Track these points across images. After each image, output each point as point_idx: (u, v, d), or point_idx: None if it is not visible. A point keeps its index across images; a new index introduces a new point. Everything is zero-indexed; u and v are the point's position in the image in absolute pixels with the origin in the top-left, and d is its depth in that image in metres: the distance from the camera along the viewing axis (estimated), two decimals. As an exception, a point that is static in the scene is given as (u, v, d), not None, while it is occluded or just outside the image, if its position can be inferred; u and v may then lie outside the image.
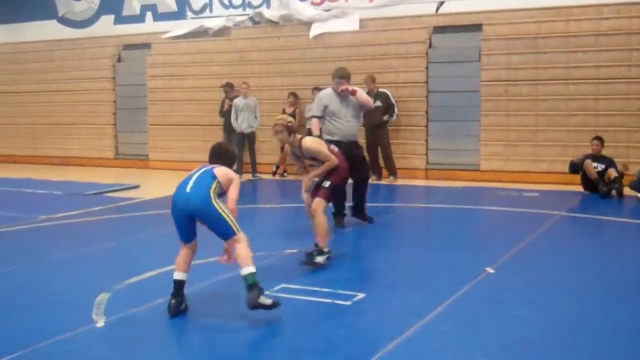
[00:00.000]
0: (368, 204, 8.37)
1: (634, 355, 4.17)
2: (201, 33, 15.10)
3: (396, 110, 12.41)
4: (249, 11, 14.80)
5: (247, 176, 13.19)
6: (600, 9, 11.93)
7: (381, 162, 12.45)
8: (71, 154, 16.35)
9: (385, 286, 5.70)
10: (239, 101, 13.31)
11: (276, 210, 8.83)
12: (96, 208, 9.66)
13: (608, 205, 9.70)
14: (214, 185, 4.89)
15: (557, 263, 6.46)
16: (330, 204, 8.11)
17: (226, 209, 4.84)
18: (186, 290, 5.40)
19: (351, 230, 7.83)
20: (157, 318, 4.88)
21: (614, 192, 10.12)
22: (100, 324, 4.71)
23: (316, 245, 6.26)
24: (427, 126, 12.94)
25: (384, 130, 12.32)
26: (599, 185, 10.21)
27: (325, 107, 7.97)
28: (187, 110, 14.97)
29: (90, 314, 4.88)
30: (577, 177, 10.78)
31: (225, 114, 13.69)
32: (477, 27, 12.72)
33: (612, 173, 10.22)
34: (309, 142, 6.41)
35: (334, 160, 6.39)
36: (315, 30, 13.82)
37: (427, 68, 12.90)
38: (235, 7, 14.99)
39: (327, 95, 8.06)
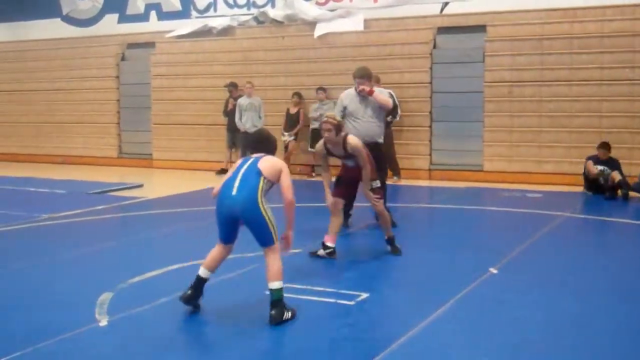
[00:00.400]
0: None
1: (636, 355, 4.16)
2: (205, 32, 15.11)
3: (399, 111, 12.39)
4: (254, 11, 14.80)
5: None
6: (604, 10, 11.91)
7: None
8: (74, 153, 16.36)
9: (388, 286, 5.69)
10: (243, 101, 13.32)
11: (280, 210, 8.79)
12: (99, 207, 9.67)
13: (612, 206, 9.69)
14: (261, 185, 4.73)
15: (560, 264, 6.45)
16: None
17: (272, 216, 4.72)
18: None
19: (355, 230, 7.82)
20: (160, 317, 4.88)
21: (619, 192, 10.09)
22: (103, 323, 4.71)
23: (388, 239, 6.70)
24: (431, 127, 12.93)
25: (388, 131, 12.21)
26: (600, 182, 10.19)
27: (345, 107, 7.94)
28: (191, 109, 14.98)
29: (93, 314, 4.88)
30: (581, 179, 10.77)
31: (229, 113, 13.70)
32: (482, 28, 12.70)
33: (616, 176, 10.20)
34: (356, 141, 6.45)
35: (370, 161, 6.52)
36: (319, 30, 13.82)
37: (431, 69, 12.89)
38: (240, 7, 15.00)
39: (347, 95, 8.01)
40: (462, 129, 12.72)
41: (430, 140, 12.94)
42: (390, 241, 6.71)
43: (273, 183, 4.85)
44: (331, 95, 13.37)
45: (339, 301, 5.13)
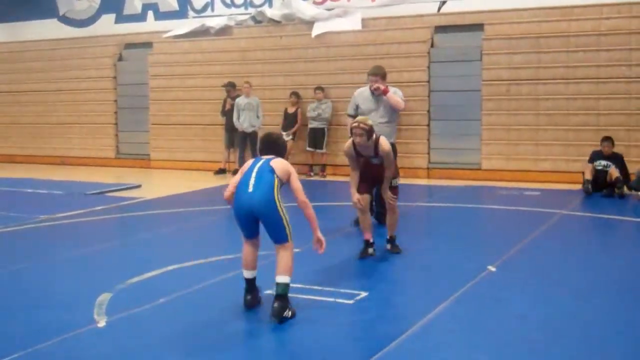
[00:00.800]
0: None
1: (634, 352, 4.17)
2: (203, 32, 15.10)
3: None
4: (251, 10, 14.80)
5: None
6: (601, 8, 11.93)
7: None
8: (72, 154, 16.34)
9: (387, 285, 5.70)
10: (241, 100, 13.32)
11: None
12: (97, 208, 9.66)
13: (609, 204, 9.70)
14: (276, 182, 4.82)
15: (558, 261, 6.46)
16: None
17: (287, 214, 4.81)
18: (187, 290, 5.41)
19: (353, 229, 7.82)
20: (159, 318, 4.88)
21: (616, 190, 10.11)
22: (102, 324, 4.71)
23: (390, 237, 6.69)
24: (428, 125, 12.94)
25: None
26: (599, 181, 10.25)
27: (357, 105, 7.93)
28: (188, 109, 14.97)
29: (91, 314, 4.88)
30: (579, 176, 10.78)
31: (227, 113, 13.70)
32: (479, 27, 12.71)
33: (614, 173, 10.21)
34: (388, 145, 6.36)
35: (395, 168, 6.55)
36: (317, 29, 13.82)
37: (429, 67, 12.89)
38: (237, 6, 14.99)
39: (360, 93, 7.99)
40: (460, 128, 12.73)
41: (428, 139, 12.95)
42: (392, 240, 6.70)
43: (283, 183, 4.94)
44: (329, 94, 13.39)
45: (338, 300, 5.14)
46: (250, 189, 4.79)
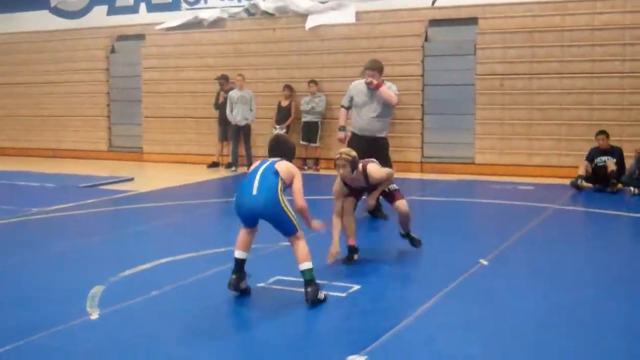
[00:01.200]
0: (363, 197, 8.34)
1: (625, 346, 4.19)
2: (196, 24, 15.04)
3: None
4: (244, 2, 14.74)
5: (243, 169, 13.17)
6: (595, 3, 11.95)
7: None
8: (65, 147, 16.28)
9: (380, 278, 5.70)
10: (234, 93, 13.28)
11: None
12: (90, 201, 9.63)
13: (601, 198, 9.73)
14: (279, 184, 4.89)
15: (550, 255, 6.48)
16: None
17: (291, 207, 4.90)
18: (180, 283, 5.41)
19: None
20: (151, 310, 4.87)
21: (609, 186, 10.12)
22: (95, 316, 4.70)
23: (407, 233, 6.44)
24: (422, 119, 12.94)
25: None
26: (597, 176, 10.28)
27: (352, 98, 7.93)
28: (181, 102, 14.92)
29: (84, 307, 4.86)
30: (572, 171, 10.81)
31: (221, 106, 13.67)
32: (473, 21, 12.71)
33: (611, 165, 10.23)
34: (379, 173, 6.02)
35: (392, 172, 6.32)
36: (311, 22, 13.79)
37: (422, 61, 12.89)
38: (230, -1, 14.95)
39: (355, 86, 7.99)
40: (453, 122, 12.74)
41: (422, 133, 12.96)
42: (406, 235, 6.47)
43: (287, 185, 5.01)
44: (323, 88, 13.37)
45: (331, 293, 5.13)
46: (254, 191, 4.87)
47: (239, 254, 5.05)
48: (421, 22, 13.09)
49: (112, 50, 16.09)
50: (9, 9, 17.19)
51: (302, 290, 5.22)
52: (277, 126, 13.47)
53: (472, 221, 8.86)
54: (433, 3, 13.16)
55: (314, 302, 4.81)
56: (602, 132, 10.59)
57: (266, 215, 4.90)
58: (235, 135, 13.39)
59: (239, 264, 5.05)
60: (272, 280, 5.46)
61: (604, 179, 10.25)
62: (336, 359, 3.91)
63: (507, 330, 4.45)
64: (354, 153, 5.89)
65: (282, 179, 4.93)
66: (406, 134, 12.94)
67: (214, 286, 5.34)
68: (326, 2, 13.89)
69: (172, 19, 15.30)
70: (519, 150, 12.24)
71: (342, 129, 8.22)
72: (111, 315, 4.73)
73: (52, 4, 16.82)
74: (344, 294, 5.16)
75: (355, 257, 6.13)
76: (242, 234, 5.07)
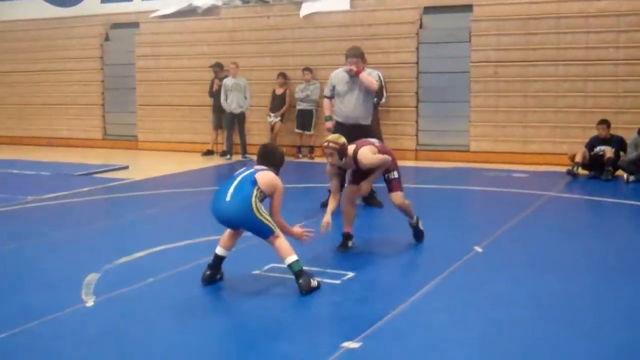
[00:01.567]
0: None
1: (619, 332, 4.22)
2: (190, 12, 14.97)
3: (385, 93, 12.36)
4: (238, -10, 14.69)
5: (237, 157, 13.17)
6: (590, -10, 11.94)
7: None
8: (59, 135, 16.22)
9: (374, 265, 5.72)
10: (228, 81, 13.25)
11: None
12: (85, 189, 9.62)
13: (596, 186, 9.76)
14: (255, 193, 4.84)
15: (544, 242, 6.51)
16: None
17: (265, 212, 4.87)
18: (175, 270, 5.43)
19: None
20: (146, 298, 4.89)
21: (604, 173, 10.14)
22: (90, 303, 4.71)
23: (412, 224, 6.26)
24: (417, 107, 12.94)
25: (374, 112, 12.25)
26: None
27: (334, 86, 7.92)
28: (176, 90, 14.88)
29: (79, 294, 4.87)
30: (566, 158, 10.83)
31: (215, 94, 13.63)
32: (468, 8, 12.68)
33: (608, 153, 10.23)
34: (369, 159, 5.85)
35: (387, 159, 5.98)
36: (305, 9, 13.73)
37: (417, 49, 12.86)
38: (224, -14, 14.87)
39: (336, 75, 7.97)
40: (448, 110, 12.74)
41: (416, 121, 12.95)
42: (412, 226, 6.29)
43: (266, 196, 4.97)
44: (317, 75, 13.34)
45: (325, 280, 5.15)
46: (228, 197, 4.85)
47: (219, 250, 5.09)
48: (416, 9, 13.05)
49: (106, 38, 16.02)
50: (2, -3, 17.08)
51: (297, 277, 5.24)
52: (272, 114, 13.46)
53: (466, 209, 8.88)
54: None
55: (309, 292, 4.82)
56: (604, 122, 10.57)
57: (238, 222, 4.89)
58: (230, 123, 13.37)
59: (217, 260, 5.09)
60: (266, 267, 5.47)
61: (599, 166, 10.27)
62: (330, 346, 3.92)
63: (501, 316, 4.47)
64: (342, 140, 5.81)
65: (259, 189, 4.88)
66: (401, 122, 12.93)
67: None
68: (321, -11, 13.82)
69: (166, 6, 15.22)
70: (513, 137, 12.26)
71: (328, 118, 8.28)
72: (107, 302, 4.74)
73: (46, -8, 16.70)
74: (338, 281, 5.18)
75: (350, 244, 6.11)
76: (227, 233, 5.10)
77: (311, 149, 13.35)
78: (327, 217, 5.76)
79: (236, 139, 13.38)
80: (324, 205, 7.79)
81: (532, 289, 5.03)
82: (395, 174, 6.08)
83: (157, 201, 8.99)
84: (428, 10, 13.07)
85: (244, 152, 13.22)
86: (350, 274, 5.33)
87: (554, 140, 11.93)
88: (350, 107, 7.78)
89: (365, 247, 6.24)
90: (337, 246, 6.08)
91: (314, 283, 4.88)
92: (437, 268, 5.46)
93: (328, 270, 5.40)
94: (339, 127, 7.91)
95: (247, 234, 5.11)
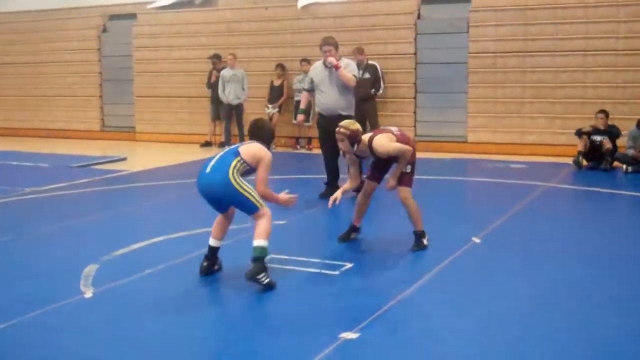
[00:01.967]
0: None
1: (618, 322, 4.23)
2: (187, 3, 14.92)
3: (382, 84, 12.36)
4: (236, -19, 14.63)
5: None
6: (589, -20, 11.91)
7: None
8: (57, 126, 16.19)
9: (372, 256, 5.73)
10: (226, 72, 13.23)
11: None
12: (83, 180, 9.62)
13: (594, 176, 9.76)
14: (234, 163, 4.81)
15: (542, 233, 6.52)
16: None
17: (247, 186, 4.81)
18: (173, 261, 5.43)
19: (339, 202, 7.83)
20: (145, 289, 4.89)
21: (603, 163, 10.14)
22: (88, 294, 4.72)
23: (415, 232, 5.88)
24: (415, 98, 12.92)
25: (372, 103, 12.27)
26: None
27: (312, 79, 7.95)
28: (174, 81, 14.85)
29: (78, 285, 4.88)
30: (564, 149, 10.83)
31: (213, 85, 13.62)
32: (466, -2, 12.66)
33: (606, 144, 10.23)
34: (385, 146, 5.63)
35: (407, 149, 5.69)
36: (303, 0, 13.70)
37: (415, 39, 12.84)
38: (222, -23, 14.82)
39: (314, 67, 8.06)
40: (446, 100, 12.73)
41: (414, 112, 12.94)
42: (415, 235, 5.89)
43: (252, 168, 4.91)
44: (315, 66, 13.30)
45: (323, 271, 5.17)
46: (208, 169, 4.87)
47: (212, 242, 5.10)
48: (414, 0, 13.01)
49: (104, 30, 15.97)
50: (-1, -12, 17.01)
51: (296, 268, 5.26)
52: (270, 105, 13.44)
53: (464, 200, 8.89)
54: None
55: (253, 281, 4.68)
56: (602, 111, 10.57)
57: (220, 195, 4.84)
58: (228, 114, 13.36)
59: (212, 251, 5.10)
60: (266, 258, 5.47)
61: (599, 156, 10.27)
62: (329, 337, 3.93)
63: (499, 307, 4.48)
64: (354, 127, 5.69)
65: (242, 160, 4.84)
66: (399, 113, 12.92)
67: (207, 265, 5.35)
68: (319, -20, 13.78)
69: (164, -2, 15.18)
70: (511, 128, 12.25)
71: (302, 111, 8.31)
72: (105, 293, 4.75)
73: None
74: (336, 272, 5.19)
75: (352, 236, 6.10)
76: (217, 221, 5.10)
77: (309, 140, 13.33)
78: (338, 193, 5.73)
79: (234, 130, 13.37)
80: (322, 196, 7.82)
81: (530, 280, 5.04)
82: (408, 168, 5.80)
83: (155, 192, 8.99)
84: (426, 0, 13.03)
85: (242, 142, 13.16)
86: (349, 265, 5.34)
87: (553, 131, 11.92)
88: (329, 99, 7.82)
89: (363, 239, 6.24)
90: (339, 236, 6.09)
91: (263, 278, 4.69)
92: (436, 259, 5.47)
93: (326, 261, 5.41)
94: (321, 119, 7.98)
95: (240, 225, 5.11)
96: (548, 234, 6.47)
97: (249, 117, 13.53)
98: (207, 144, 13.78)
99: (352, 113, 8.00)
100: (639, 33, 11.44)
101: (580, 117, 11.29)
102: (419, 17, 12.97)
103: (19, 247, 6.15)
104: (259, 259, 4.74)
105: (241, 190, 4.77)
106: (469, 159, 11.63)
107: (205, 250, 5.15)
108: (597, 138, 10.34)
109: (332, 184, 7.90)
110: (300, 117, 9.16)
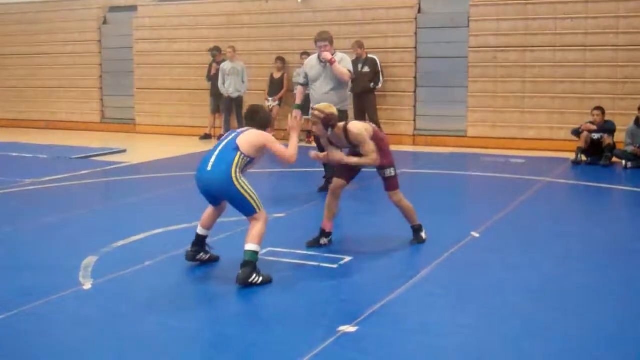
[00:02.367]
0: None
1: (616, 315, 4.25)
2: (188, -5, 14.91)
3: (382, 78, 12.34)
4: (237, -26, 14.59)
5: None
6: (589, -25, 11.89)
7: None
8: (57, 118, 16.19)
9: (371, 250, 5.74)
10: (225, 65, 13.21)
11: (263, 175, 8.85)
12: (83, 172, 9.62)
13: (593, 172, 9.77)
14: (236, 160, 4.76)
15: (541, 227, 6.53)
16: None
17: (249, 188, 4.77)
18: (172, 253, 5.45)
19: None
20: (144, 281, 4.91)
21: (603, 159, 10.14)
22: (88, 286, 4.73)
23: (413, 227, 5.88)
24: (415, 92, 12.92)
25: (371, 97, 12.27)
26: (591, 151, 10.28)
27: (306, 74, 7.94)
28: (174, 74, 14.84)
29: (77, 277, 4.89)
30: (563, 144, 10.83)
31: (213, 78, 13.60)
32: (467, -7, 12.64)
33: (606, 140, 10.24)
34: (357, 130, 5.47)
35: (374, 157, 5.54)
36: (303, -7, 13.69)
37: (416, 33, 12.82)
38: (223, -31, 14.78)
39: (309, 62, 8.03)
40: (446, 95, 12.72)
41: (414, 106, 12.94)
42: (413, 230, 5.90)
43: (253, 159, 4.89)
44: (316, 60, 13.29)
45: (322, 264, 5.18)
46: (209, 167, 4.81)
47: (200, 230, 5.14)
48: (415, -7, 13.01)
49: (105, 22, 15.94)
50: (-1, -21, 16.97)
51: (295, 261, 5.27)
52: (270, 98, 13.43)
53: (463, 194, 8.90)
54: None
55: (245, 286, 4.63)
56: (598, 108, 10.57)
57: (220, 193, 4.82)
58: (228, 107, 13.35)
59: (199, 238, 5.14)
60: (264, 251, 5.47)
61: (599, 151, 10.27)
62: (327, 330, 3.94)
63: (498, 301, 4.50)
64: (330, 110, 5.47)
65: (242, 154, 4.78)
66: (399, 107, 12.92)
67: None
68: (319, -27, 13.75)
69: (164, -11, 15.15)
70: (511, 123, 12.25)
71: (297, 106, 8.29)
72: (104, 285, 4.76)
73: (43, -26, 16.60)
74: (335, 266, 5.20)
75: (323, 241, 5.69)
76: (207, 211, 5.12)
77: (309, 133, 13.33)
78: (323, 154, 5.70)
79: (234, 123, 13.36)
80: (321, 190, 7.83)
81: (529, 274, 5.05)
82: (392, 172, 5.71)
83: (155, 184, 9.00)
84: (427, -6, 13.02)
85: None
86: (347, 259, 5.36)
87: (552, 126, 11.92)
88: (322, 94, 7.81)
89: (362, 232, 6.26)
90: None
91: (256, 278, 4.66)
92: (434, 253, 5.49)
93: (325, 255, 5.43)
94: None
95: (238, 218, 5.11)
96: (547, 229, 6.49)
97: (249, 110, 13.54)
98: (206, 137, 13.78)
99: (346, 108, 8.02)
100: (639, 28, 11.43)
101: (579, 113, 11.29)
102: (419, 11, 12.96)
103: (18, 238, 6.16)
104: (250, 263, 4.69)
105: (243, 191, 4.76)
106: (468, 153, 11.64)
107: (207, 241, 5.18)
108: (595, 135, 10.34)
109: (331, 179, 7.90)
110: (296, 112, 8.90)
